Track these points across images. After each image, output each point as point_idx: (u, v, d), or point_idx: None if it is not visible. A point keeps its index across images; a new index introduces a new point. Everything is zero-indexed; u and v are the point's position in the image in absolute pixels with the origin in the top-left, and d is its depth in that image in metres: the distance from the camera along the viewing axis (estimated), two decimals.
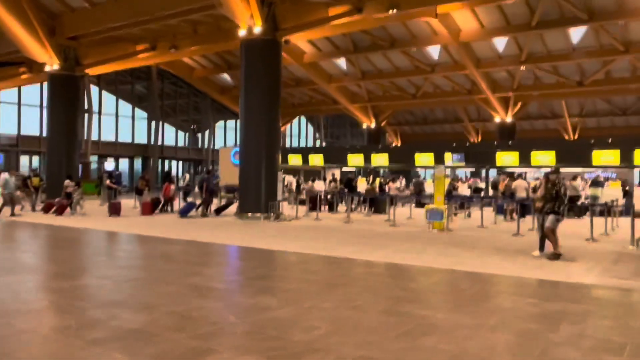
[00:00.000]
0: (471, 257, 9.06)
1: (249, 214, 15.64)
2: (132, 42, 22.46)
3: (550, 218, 8.79)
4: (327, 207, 19.67)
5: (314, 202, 17.77)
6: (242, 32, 15.90)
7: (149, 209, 16.31)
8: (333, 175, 22.69)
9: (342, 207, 19.63)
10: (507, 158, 21.63)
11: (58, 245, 10.42)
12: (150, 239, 11.10)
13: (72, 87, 21.63)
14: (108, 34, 20.63)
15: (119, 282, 6.67)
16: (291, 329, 4.76)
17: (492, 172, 26.95)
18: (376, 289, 6.53)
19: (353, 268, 8.10)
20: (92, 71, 23.11)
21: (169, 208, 17.28)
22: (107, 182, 17.23)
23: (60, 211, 15.91)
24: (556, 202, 8.73)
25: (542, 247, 9.16)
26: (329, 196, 19.08)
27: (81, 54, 21.93)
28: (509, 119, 29.08)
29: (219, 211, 16.60)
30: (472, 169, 34.65)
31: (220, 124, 39.37)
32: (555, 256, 8.76)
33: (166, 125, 35.47)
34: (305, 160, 26.72)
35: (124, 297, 5.94)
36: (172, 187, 17.17)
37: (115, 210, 15.74)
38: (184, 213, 15.91)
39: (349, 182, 19.93)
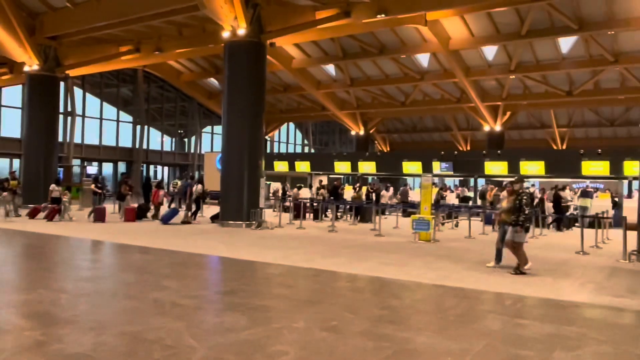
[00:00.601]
0: (457, 271, 8.71)
1: (230, 222, 15.17)
2: (115, 43, 21.89)
3: (509, 230, 8.44)
4: (312, 215, 19.26)
5: (298, 210, 17.34)
6: (225, 34, 15.44)
7: (133, 215, 15.83)
8: (321, 182, 22.25)
9: (330, 215, 19.19)
10: (495, 167, 21.46)
11: (27, 254, 9.85)
12: (126, 247, 10.68)
13: (51, 88, 20.98)
14: (90, 34, 20.05)
15: (75, 296, 6.10)
16: (255, 354, 4.23)
17: (481, 182, 26.74)
18: (355, 307, 6.03)
19: (333, 282, 7.65)
20: (73, 72, 22.47)
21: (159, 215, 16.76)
22: (92, 186, 16.56)
23: (50, 217, 15.33)
24: (519, 213, 8.32)
25: (498, 258, 8.83)
26: (314, 204, 18.61)
27: (62, 55, 21.31)
28: (498, 128, 28.95)
29: (215, 218, 16.12)
30: (460, 178, 34.68)
31: (207, 129, 38.81)
32: (517, 271, 8.39)
33: (152, 130, 34.83)
34: (292, 166, 26.43)
35: (75, 314, 5.37)
36: (162, 192, 16.63)
37: (99, 216, 15.22)
38: (166, 220, 15.41)
39: (334, 189, 19.53)
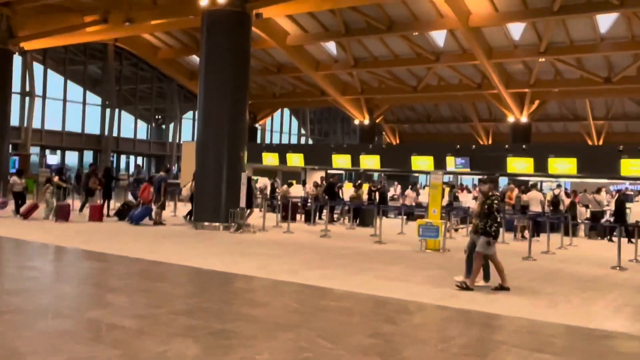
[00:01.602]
0: (470, 291, 8.31)
1: (206, 223, 14.97)
2: (78, 12, 21.47)
3: (480, 241, 8.19)
4: (303, 216, 19.00)
5: (287, 211, 17.03)
6: (203, 2, 15.07)
7: (99, 213, 15.61)
8: (322, 178, 21.93)
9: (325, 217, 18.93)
10: (519, 164, 21.21)
11: None
12: (78, 252, 10.44)
13: (2, 63, 20.58)
14: (49, 1, 19.63)
15: None
16: None
17: (503, 181, 26.40)
18: (339, 333, 5.65)
19: (316, 300, 7.33)
20: (29, 45, 22.09)
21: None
22: (56, 179, 16.22)
23: (26, 214, 15.04)
24: (488, 220, 8.08)
25: (486, 276, 8.64)
26: (308, 203, 18.30)
27: (16, 25, 20.92)
28: (524, 119, 28.68)
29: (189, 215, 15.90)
30: (478, 176, 34.34)
31: (188, 115, 38.54)
32: (500, 288, 8.17)
33: (124, 114, 34.52)
34: (283, 159, 26.11)
35: None
36: (152, 189, 16.36)
37: (63, 214, 14.99)
38: (137, 220, 15.21)
39: (330, 187, 19.24)
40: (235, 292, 7.64)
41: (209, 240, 12.92)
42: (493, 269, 8.56)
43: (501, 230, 8.57)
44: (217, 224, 14.99)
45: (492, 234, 8.07)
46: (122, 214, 16.00)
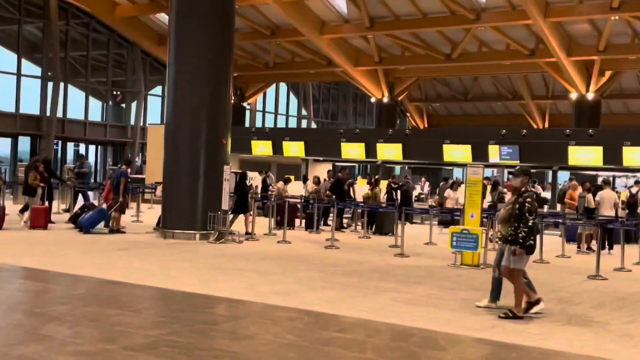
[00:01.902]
0: (519, 320, 8.25)
1: (178, 231, 15.14)
2: None
3: (506, 250, 8.20)
4: (304, 221, 19.18)
5: (282, 214, 17.12)
6: None
7: (43, 218, 15.70)
8: (329, 173, 21.96)
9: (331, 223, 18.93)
10: (584, 155, 21.10)
11: None
12: (11, 270, 10.45)
13: None
14: None
15: None
16: None
17: (563, 176, 26.23)
18: None
19: (317, 331, 7.30)
20: None
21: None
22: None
23: None
24: (519, 224, 8.06)
25: (496, 295, 8.66)
26: (311, 203, 18.34)
27: None
28: (590, 95, 28.62)
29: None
30: (531, 170, 34.22)
31: (156, 91, 38.51)
32: (511, 314, 8.14)
33: (71, 89, 34.46)
34: (278, 148, 26.06)
35: None
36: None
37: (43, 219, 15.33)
38: (87, 226, 15.35)
39: (338, 184, 19.23)
40: (212, 320, 7.61)
41: (182, 252, 12.94)
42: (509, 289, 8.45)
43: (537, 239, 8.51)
44: (192, 231, 15.03)
45: (523, 242, 8.02)
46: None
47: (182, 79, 15.43)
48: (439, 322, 7.77)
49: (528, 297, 8.32)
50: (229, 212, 15.37)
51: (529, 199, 8.10)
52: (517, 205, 8.11)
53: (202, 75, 15.28)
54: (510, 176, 8.66)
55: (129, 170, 17.00)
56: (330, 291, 9.45)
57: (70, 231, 15.51)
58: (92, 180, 34.43)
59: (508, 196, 19.53)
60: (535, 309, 8.36)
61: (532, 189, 8.40)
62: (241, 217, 16.26)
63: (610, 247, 15.80)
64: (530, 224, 8.02)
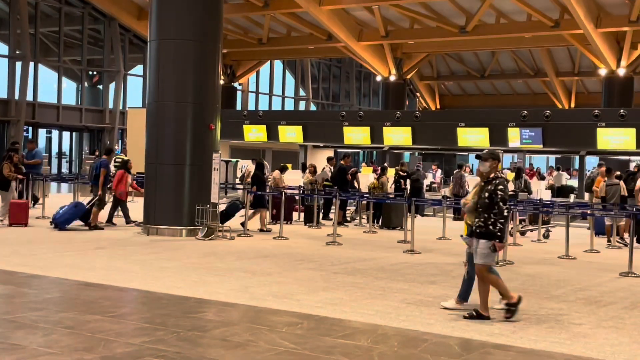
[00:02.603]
0: (539, 320, 8.35)
1: (162, 227, 15.19)
2: None
3: (480, 246, 8.11)
4: (303, 215, 19.29)
5: (279, 207, 17.06)
6: None
7: (24, 213, 15.84)
8: (329, 160, 21.97)
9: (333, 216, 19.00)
10: (615, 137, 21.12)
11: None
12: None
13: None
14: None
15: None
16: None
17: (592, 161, 26.23)
18: None
19: (318, 337, 7.27)
20: None
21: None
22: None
23: None
24: (490, 214, 8.03)
25: (464, 295, 8.70)
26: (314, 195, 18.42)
27: None
28: (621, 71, 28.61)
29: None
30: (556, 155, 34.39)
31: (137, 70, 38.51)
32: (511, 311, 8.20)
33: (42, 69, 34.48)
34: (273, 134, 26.07)
35: None
36: (129, 178, 16.72)
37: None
38: (62, 222, 15.41)
39: (340, 172, 19.27)
40: (202, 326, 7.57)
41: (167, 250, 12.93)
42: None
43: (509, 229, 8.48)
44: (178, 227, 15.08)
45: (501, 235, 8.01)
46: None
47: (165, 56, 15.38)
48: (454, 327, 7.77)
49: (507, 299, 8.25)
50: (248, 207, 15.72)
51: (500, 187, 8.03)
52: (486, 194, 8.06)
53: (187, 52, 15.27)
54: (477, 156, 8.55)
55: (109, 159, 17.01)
56: (333, 293, 9.44)
57: (42, 230, 15.44)
58: (68, 171, 34.60)
59: (533, 183, 19.70)
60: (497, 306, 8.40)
61: (502, 174, 8.32)
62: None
63: None
64: (505, 213, 8.03)
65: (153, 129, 15.65)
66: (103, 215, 16.56)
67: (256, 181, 16.75)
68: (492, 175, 8.16)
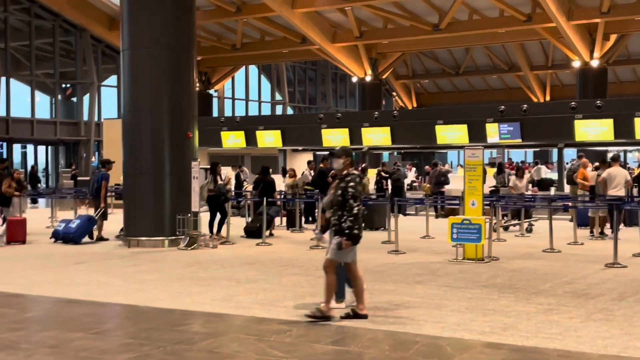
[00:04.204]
0: (528, 315, 8.30)
1: (143, 238, 15.06)
2: None
3: (333, 242, 8.09)
4: (285, 220, 19.16)
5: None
6: None
7: (22, 231, 15.77)
8: (309, 164, 21.87)
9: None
10: (592, 129, 21.15)
11: None
12: None
13: None
14: None
15: None
16: None
17: (570, 154, 26.32)
18: None
19: (307, 344, 7.20)
20: None
21: None
22: None
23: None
24: (343, 211, 7.97)
25: (340, 294, 8.71)
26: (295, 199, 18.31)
27: None
28: (595, 62, 28.83)
29: (250, 233, 16.41)
30: (534, 149, 34.51)
31: (110, 81, 38.19)
32: (317, 317, 8.02)
33: (14, 84, 34.10)
34: (252, 139, 25.98)
35: None
36: None
37: None
38: (79, 236, 15.60)
39: (321, 175, 19.13)
40: (188, 339, 7.47)
41: (149, 262, 12.84)
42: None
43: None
44: (160, 238, 14.98)
45: (348, 232, 7.90)
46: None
47: (138, 65, 15.29)
48: (444, 327, 7.73)
49: (324, 306, 8.11)
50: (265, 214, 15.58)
51: (351, 183, 7.96)
52: (339, 191, 8.01)
53: (161, 60, 15.16)
54: (331, 153, 8.59)
55: (109, 172, 16.81)
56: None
57: (49, 246, 15.38)
58: (44, 186, 34.21)
59: (513, 179, 19.69)
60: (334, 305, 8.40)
61: (354, 171, 8.21)
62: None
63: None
64: (355, 211, 7.91)
65: (129, 139, 15.50)
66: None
67: (268, 188, 16.76)
68: (344, 172, 8.11)
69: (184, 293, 9.79)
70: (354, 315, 8.06)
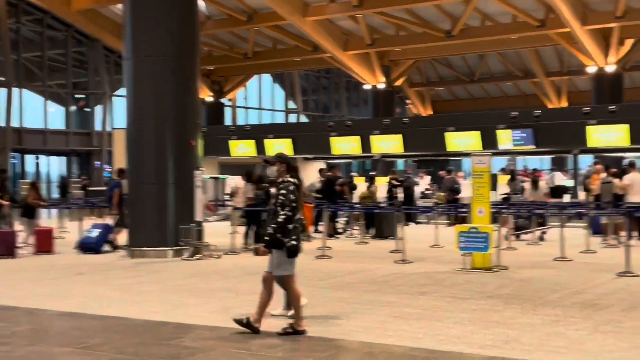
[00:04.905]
0: (534, 327, 8.02)
1: (147, 249, 14.94)
2: None
3: (274, 256, 7.85)
4: None
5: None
6: None
7: (49, 241, 15.84)
8: (321, 172, 21.60)
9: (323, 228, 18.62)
10: (607, 134, 20.77)
11: None
12: None
13: None
14: None
15: None
16: None
17: (586, 160, 25.89)
18: None
19: (300, 358, 7.00)
20: None
21: None
22: None
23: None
24: (277, 217, 7.71)
25: (287, 303, 8.63)
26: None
27: None
28: (610, 67, 28.47)
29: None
30: (551, 155, 34.08)
31: (124, 91, 38.12)
32: (292, 332, 7.80)
33: (27, 95, 34.18)
34: (261, 147, 25.85)
35: None
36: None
37: (4, 246, 15.12)
38: (100, 245, 15.81)
39: (329, 184, 18.99)
40: (177, 354, 7.26)
41: (149, 273, 12.70)
42: None
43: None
44: (163, 249, 14.86)
45: (267, 239, 7.67)
46: None
47: (141, 74, 15.21)
48: (444, 340, 7.49)
49: (259, 315, 7.88)
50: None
51: (283, 191, 7.70)
52: (274, 199, 7.85)
53: (164, 68, 15.05)
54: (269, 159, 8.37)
55: (123, 180, 16.74)
56: (318, 309, 9.10)
57: (78, 256, 15.42)
58: (59, 196, 34.15)
59: (527, 186, 19.38)
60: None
61: (289, 178, 7.87)
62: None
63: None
64: (280, 219, 7.61)
65: (133, 148, 15.42)
66: None
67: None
68: (280, 179, 7.88)
69: (180, 305, 9.61)
70: (293, 331, 7.78)
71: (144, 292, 10.72)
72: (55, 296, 10.40)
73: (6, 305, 9.74)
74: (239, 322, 7.83)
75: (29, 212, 16.57)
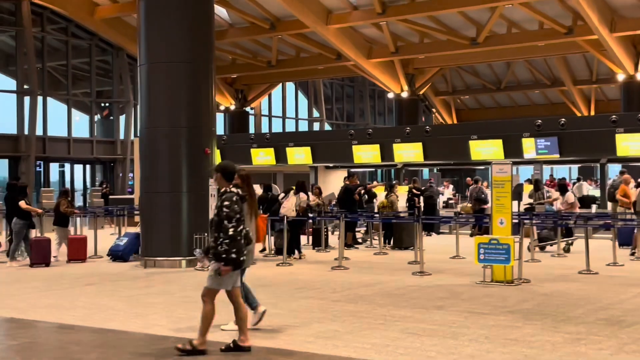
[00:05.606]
0: (557, 346, 7.59)
1: (161, 259, 14.67)
2: None
3: (210, 267, 7.53)
4: (311, 239, 18.65)
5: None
6: None
7: (83, 249, 15.88)
8: (345, 180, 21.27)
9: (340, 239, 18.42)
10: (635, 144, 20.24)
11: None
12: None
13: None
14: None
15: None
16: None
17: (614, 170, 25.35)
18: None
19: None
20: None
21: None
22: (22, 203, 15.95)
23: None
24: (220, 232, 7.27)
25: (252, 300, 8.67)
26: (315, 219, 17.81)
27: None
28: None
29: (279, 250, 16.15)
30: (578, 165, 33.50)
31: None
32: (185, 351, 7.38)
33: (52, 103, 34.21)
34: (282, 156, 25.71)
35: None
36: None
37: (40, 255, 15.01)
38: (129, 253, 15.82)
39: (347, 193, 18.62)
40: None
41: (160, 284, 12.42)
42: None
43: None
44: (176, 258, 14.60)
45: (225, 256, 7.19)
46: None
47: (156, 80, 15.01)
48: (455, 359, 7.10)
49: (198, 340, 7.42)
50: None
51: (226, 202, 7.25)
52: (215, 210, 7.40)
53: (179, 74, 14.85)
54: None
55: None
56: (328, 324, 8.77)
57: (109, 264, 15.41)
58: (83, 204, 34.17)
59: (554, 195, 18.86)
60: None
61: (232, 189, 7.37)
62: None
63: None
64: (230, 233, 7.18)
65: (147, 156, 15.23)
66: None
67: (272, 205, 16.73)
68: (222, 190, 7.46)
69: (185, 318, 9.26)
70: (235, 347, 7.42)
71: (151, 304, 10.41)
72: (60, 307, 10.13)
73: (8, 317, 9.49)
74: (233, 347, 7.56)
75: (62, 221, 16.40)
